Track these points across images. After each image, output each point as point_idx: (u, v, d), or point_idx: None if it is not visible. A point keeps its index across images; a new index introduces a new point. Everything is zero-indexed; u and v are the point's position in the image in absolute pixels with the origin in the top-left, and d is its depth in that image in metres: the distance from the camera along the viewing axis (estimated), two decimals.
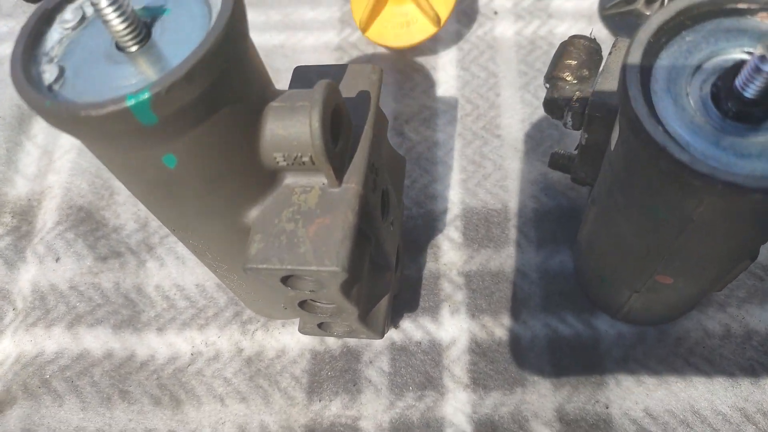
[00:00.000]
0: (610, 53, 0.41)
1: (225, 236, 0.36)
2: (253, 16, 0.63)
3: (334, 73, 0.39)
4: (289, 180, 0.35)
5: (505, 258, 0.50)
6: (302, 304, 0.37)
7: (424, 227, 0.52)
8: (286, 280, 0.34)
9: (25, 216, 0.53)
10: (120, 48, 0.29)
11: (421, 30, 0.58)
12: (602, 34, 0.63)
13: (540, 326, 0.47)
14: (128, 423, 0.44)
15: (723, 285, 0.41)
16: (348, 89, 0.38)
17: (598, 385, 0.45)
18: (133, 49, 0.28)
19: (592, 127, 0.42)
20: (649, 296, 0.41)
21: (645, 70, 0.29)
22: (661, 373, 0.45)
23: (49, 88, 0.28)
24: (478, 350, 0.46)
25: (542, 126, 0.56)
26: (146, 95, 0.25)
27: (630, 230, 0.35)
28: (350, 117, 0.36)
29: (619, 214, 0.35)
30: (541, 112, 0.57)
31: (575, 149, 0.49)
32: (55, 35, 0.30)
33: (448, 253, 0.51)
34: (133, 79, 0.27)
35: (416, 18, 0.58)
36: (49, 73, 0.28)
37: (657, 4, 0.60)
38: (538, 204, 0.53)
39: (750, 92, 0.27)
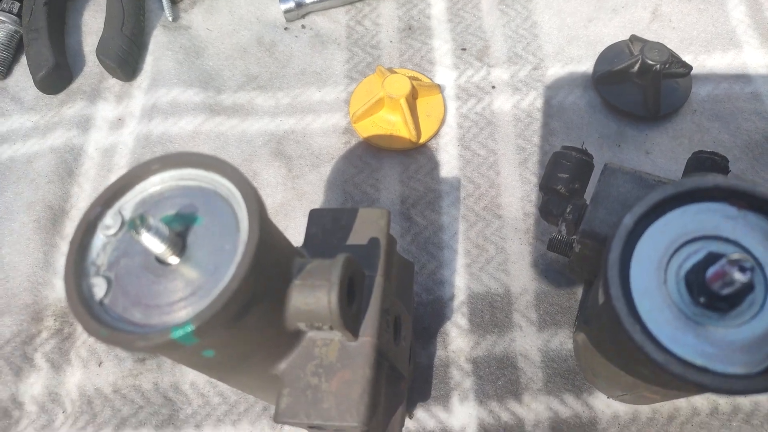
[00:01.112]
0: (599, 180, 0.44)
1: (259, 385, 0.40)
2: (263, 100, 0.66)
3: (345, 219, 0.43)
4: (311, 334, 0.39)
5: (508, 342, 0.54)
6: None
7: (434, 314, 0.56)
8: (313, 427, 0.38)
9: (66, 318, 0.57)
10: (159, 261, 0.32)
11: (401, 141, 0.62)
12: (597, 101, 0.65)
13: (542, 409, 0.52)
14: None
15: None
16: (358, 235, 0.42)
17: None
18: (173, 261, 0.32)
19: (583, 247, 0.46)
20: (638, 398, 0.45)
21: (626, 257, 0.32)
22: None
23: (101, 302, 0.32)
24: None
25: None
26: (189, 328, 0.29)
27: (618, 364, 0.39)
28: (364, 274, 0.39)
29: (606, 353, 0.39)
30: (538, 188, 0.60)
31: (572, 242, 0.53)
32: (98, 242, 0.34)
33: (456, 340, 0.55)
34: (178, 294, 0.31)
35: (400, 129, 0.61)
36: (98, 288, 0.32)
37: (650, 75, 0.62)
38: (538, 285, 0.56)
39: (717, 289, 0.30)
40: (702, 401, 0.51)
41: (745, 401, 0.51)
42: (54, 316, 0.58)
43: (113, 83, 0.69)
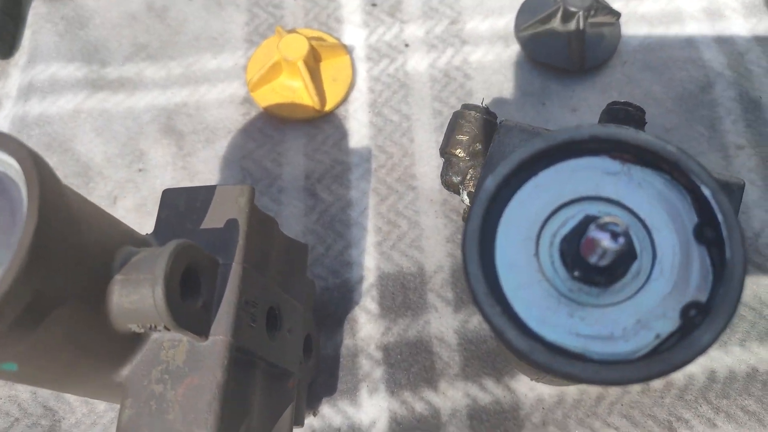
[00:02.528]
0: (493, 140, 0.39)
1: (103, 393, 0.35)
2: (153, 71, 0.60)
3: (201, 198, 0.37)
4: (156, 335, 0.33)
5: (423, 325, 0.49)
6: None
7: (341, 299, 0.51)
8: None
9: None
10: None
11: (304, 110, 0.56)
12: (520, 57, 0.59)
13: (460, 396, 0.47)
14: None
15: None
16: (215, 217, 0.36)
17: None
18: None
19: None
20: (552, 381, 0.41)
21: (491, 226, 0.27)
22: None
23: None
24: (399, 429, 0.46)
25: None
26: None
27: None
28: (214, 262, 0.34)
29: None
30: None
31: None
32: None
33: (366, 326, 0.50)
34: None
35: (302, 97, 0.55)
36: None
37: (573, 23, 0.57)
38: (454, 261, 0.51)
39: (592, 260, 0.25)
40: None
41: (678, 375, 0.47)
42: None
43: None
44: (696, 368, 0.47)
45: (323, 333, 0.50)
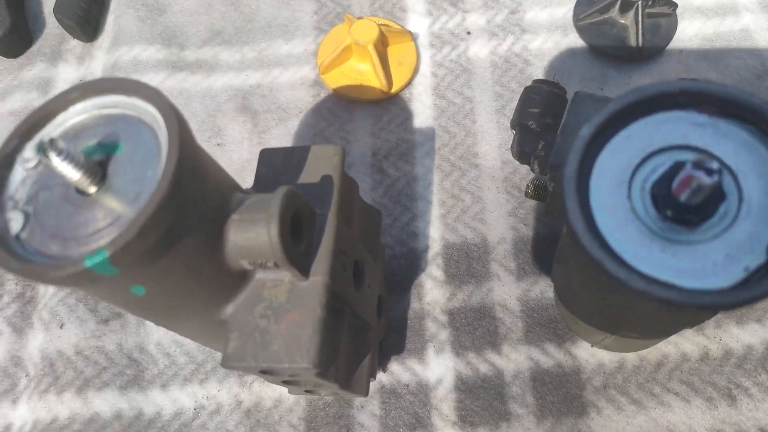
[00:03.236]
0: (568, 109, 0.41)
1: (205, 331, 0.38)
2: (228, 55, 0.63)
3: (297, 156, 0.40)
4: (260, 275, 0.36)
5: (486, 292, 0.52)
6: (286, 381, 0.40)
7: (407, 266, 0.53)
8: (264, 371, 0.36)
9: (28, 282, 0.55)
10: (79, 191, 0.30)
11: (372, 92, 0.59)
12: (578, 44, 0.62)
13: (523, 359, 0.49)
14: None
15: (690, 327, 0.42)
16: (311, 173, 0.39)
17: (579, 416, 0.47)
18: (92, 191, 0.30)
19: (556, 184, 0.43)
20: (621, 341, 0.43)
21: (585, 172, 0.30)
22: (641, 399, 0.47)
23: (17, 237, 0.30)
24: (464, 387, 0.49)
25: None
26: (103, 255, 0.27)
27: (589, 301, 0.36)
28: (313, 211, 0.37)
29: (578, 287, 0.36)
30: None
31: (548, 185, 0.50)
32: (17, 176, 0.31)
33: (431, 291, 0.52)
34: (97, 224, 0.29)
35: (370, 79, 0.58)
36: (15, 222, 0.30)
37: (631, 13, 0.59)
38: (516, 234, 0.54)
39: (684, 199, 0.27)
40: (692, 347, 0.49)
41: (737, 345, 0.49)
42: (15, 280, 0.56)
43: (74, 44, 0.66)
44: (755, 339, 0.48)
45: (392, 297, 0.52)
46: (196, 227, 0.31)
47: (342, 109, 0.60)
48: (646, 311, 0.30)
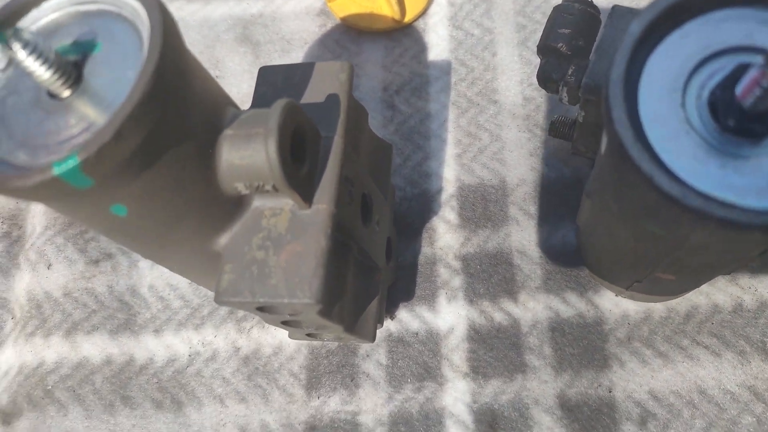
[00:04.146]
0: (605, 25, 0.37)
1: (197, 264, 0.34)
2: None
3: (300, 74, 0.36)
4: (258, 202, 0.33)
5: (503, 237, 0.48)
6: (286, 322, 0.36)
7: (419, 209, 0.50)
8: (262, 308, 0.33)
9: (14, 220, 0.52)
10: (51, 94, 0.26)
11: (383, 21, 0.54)
12: None
13: (541, 308, 0.46)
14: (132, 429, 0.45)
15: (734, 271, 0.38)
16: (315, 93, 0.35)
17: (601, 368, 0.44)
18: (66, 94, 0.26)
19: (588, 108, 0.39)
20: (652, 286, 0.39)
21: (633, 78, 0.26)
22: (667, 352, 0.44)
23: None
24: (477, 337, 0.45)
25: None
26: (74, 162, 0.23)
27: (625, 236, 0.33)
28: (317, 131, 0.33)
29: (613, 219, 0.33)
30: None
31: (575, 121, 0.46)
32: None
33: (444, 236, 0.49)
34: (70, 131, 0.25)
35: (381, 7, 0.54)
36: None
37: None
38: (538, 176, 0.50)
39: (750, 104, 0.23)
40: (724, 298, 0.45)
41: None
42: (1, 219, 0.52)
43: None
44: None
45: (401, 242, 0.49)
46: (183, 139, 0.27)
47: (350, 40, 0.56)
48: (695, 240, 0.27)
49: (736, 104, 0.24)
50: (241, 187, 0.31)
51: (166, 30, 0.25)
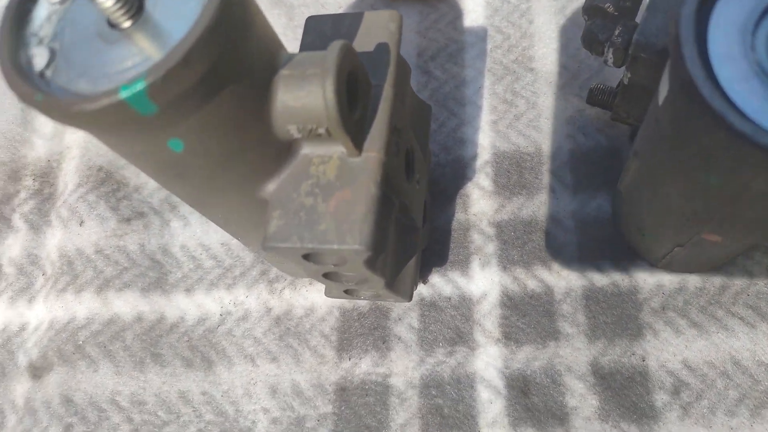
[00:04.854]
0: None
1: (243, 212, 0.34)
2: None
3: (348, 23, 0.36)
4: (306, 149, 0.32)
5: (538, 205, 0.48)
6: (327, 275, 0.36)
7: (453, 175, 0.49)
8: (308, 256, 0.33)
9: (46, 178, 0.52)
10: (112, 24, 0.26)
11: None
12: None
13: (575, 277, 0.46)
14: (162, 386, 0.45)
15: None
16: (364, 42, 0.35)
17: (634, 337, 0.44)
18: (127, 24, 0.26)
19: (636, 68, 0.38)
20: (693, 250, 0.39)
21: (702, 19, 0.25)
22: (702, 323, 0.44)
23: (41, 74, 0.26)
24: (510, 304, 0.45)
25: (580, 56, 0.52)
26: (141, 85, 0.23)
27: (676, 191, 0.32)
28: (368, 78, 0.33)
29: (665, 173, 0.32)
30: (579, 39, 0.52)
31: (617, 86, 0.45)
32: (42, 12, 0.28)
33: (478, 202, 0.48)
34: (131, 61, 0.25)
35: None
36: (39, 57, 0.26)
37: None
38: (574, 144, 0.49)
39: None
40: (760, 270, 0.45)
41: None
42: (33, 176, 0.52)
43: None
44: None
45: (435, 207, 0.48)
46: (243, 74, 0.27)
47: (385, 4, 0.55)
48: (757, 187, 0.26)
49: None
50: (294, 130, 0.30)
51: None
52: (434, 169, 0.50)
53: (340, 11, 0.55)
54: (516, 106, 0.51)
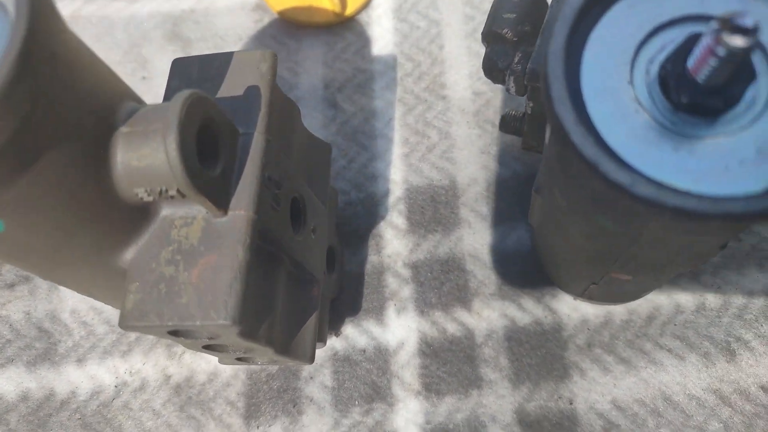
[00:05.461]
0: (551, 5, 0.34)
1: (101, 285, 0.30)
2: None
3: (217, 65, 0.32)
4: (166, 211, 0.29)
5: (455, 242, 0.45)
6: (208, 347, 0.32)
7: (365, 214, 0.46)
8: (176, 332, 0.29)
9: None
10: None
11: (323, 14, 0.51)
12: None
13: (496, 316, 0.43)
14: None
15: (694, 268, 0.36)
16: (234, 86, 0.32)
17: (561, 379, 0.41)
18: None
19: (536, 97, 0.36)
20: (608, 288, 0.36)
21: (575, 53, 0.23)
22: (630, 358, 0.41)
23: None
24: (429, 351, 0.42)
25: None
26: None
27: (577, 233, 0.30)
28: (233, 127, 0.29)
29: (562, 215, 0.30)
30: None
31: (523, 114, 0.43)
32: None
33: (392, 242, 0.45)
34: None
35: None
36: None
37: None
38: (490, 174, 0.47)
39: (704, 77, 0.21)
40: (686, 298, 0.43)
41: (736, 294, 0.43)
42: None
43: None
44: (756, 286, 0.43)
45: (346, 250, 0.45)
46: (65, 137, 0.23)
47: (289, 35, 0.52)
48: (650, 234, 0.24)
49: (689, 79, 0.21)
50: (143, 194, 0.27)
51: (35, 7, 0.21)
52: (344, 209, 0.46)
53: (241, 43, 0.52)
54: (428, 137, 0.48)
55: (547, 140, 0.27)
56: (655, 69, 0.22)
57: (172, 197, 0.27)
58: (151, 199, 0.27)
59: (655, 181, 0.20)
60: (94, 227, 0.27)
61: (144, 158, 0.25)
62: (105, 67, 0.27)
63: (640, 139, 0.21)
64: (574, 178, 0.23)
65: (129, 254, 0.29)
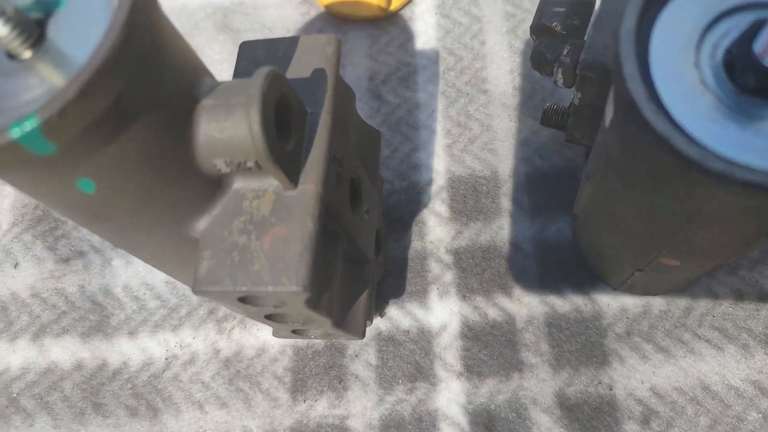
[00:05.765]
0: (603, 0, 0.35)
1: (174, 252, 0.32)
2: None
3: (284, 48, 0.34)
4: (239, 184, 0.30)
5: (496, 230, 0.46)
6: (270, 316, 0.34)
7: (408, 202, 0.48)
8: (244, 299, 0.30)
9: None
10: (11, 56, 0.24)
11: (368, 9, 0.52)
12: None
13: (537, 303, 0.44)
14: None
15: (739, 259, 0.37)
16: (300, 67, 0.33)
17: (600, 365, 0.42)
18: (27, 55, 0.24)
19: (585, 88, 0.37)
20: (654, 274, 0.37)
21: (643, 36, 0.24)
22: (668, 347, 0.42)
23: None
24: (471, 334, 0.43)
25: (534, 76, 0.51)
26: (33, 123, 0.21)
27: (629, 215, 0.31)
28: (303, 105, 0.31)
29: (618, 197, 0.31)
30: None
31: (569, 106, 0.44)
32: None
33: (435, 229, 0.46)
34: (36, 91, 0.23)
35: None
36: None
37: None
38: (531, 167, 0.48)
39: None
40: (724, 290, 0.43)
41: None
42: None
43: None
44: None
45: (391, 236, 0.47)
46: (157, 106, 0.25)
47: (334, 28, 0.54)
48: (709, 211, 0.25)
49: (754, 62, 0.22)
50: (221, 165, 0.28)
51: None
52: (388, 197, 0.48)
53: (288, 35, 0.53)
54: (470, 129, 0.49)
55: (607, 124, 0.28)
56: (720, 53, 0.23)
57: (249, 169, 0.28)
58: (228, 170, 0.29)
59: (724, 156, 0.21)
60: (173, 194, 0.28)
61: (226, 130, 0.27)
62: (187, 44, 0.29)
63: (706, 119, 0.22)
64: (641, 155, 0.25)
65: (202, 224, 0.30)
